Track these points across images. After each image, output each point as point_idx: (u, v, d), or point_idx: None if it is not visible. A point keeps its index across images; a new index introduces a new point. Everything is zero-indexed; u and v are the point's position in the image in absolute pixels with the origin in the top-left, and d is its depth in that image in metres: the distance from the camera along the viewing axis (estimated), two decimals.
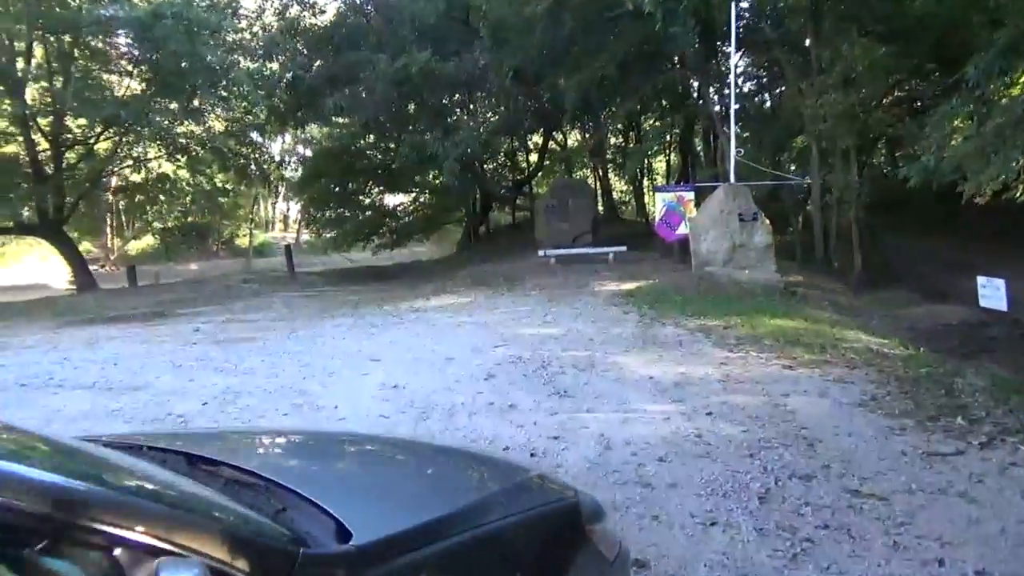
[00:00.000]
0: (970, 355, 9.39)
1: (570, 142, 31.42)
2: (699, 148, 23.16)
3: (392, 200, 30.55)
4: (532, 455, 4.91)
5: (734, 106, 12.65)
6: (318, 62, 19.47)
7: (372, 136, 21.08)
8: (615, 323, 9.51)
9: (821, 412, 5.67)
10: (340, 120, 19.46)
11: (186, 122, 20.33)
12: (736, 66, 12.77)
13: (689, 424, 5.42)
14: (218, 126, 21.50)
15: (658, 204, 14.22)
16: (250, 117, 20.99)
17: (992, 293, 10.36)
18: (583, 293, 12.47)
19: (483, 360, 7.65)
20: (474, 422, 5.65)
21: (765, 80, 20.96)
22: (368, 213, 27.44)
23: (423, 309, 12.12)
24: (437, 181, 27.88)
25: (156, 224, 30.79)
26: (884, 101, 15.16)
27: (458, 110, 18.52)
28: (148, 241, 39.80)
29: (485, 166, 25.88)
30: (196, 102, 19.31)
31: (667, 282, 12.18)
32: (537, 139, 26.21)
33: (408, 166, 18.64)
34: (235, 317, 12.75)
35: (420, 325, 10.30)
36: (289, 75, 19.41)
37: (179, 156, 21.65)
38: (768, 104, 21.23)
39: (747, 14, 15.45)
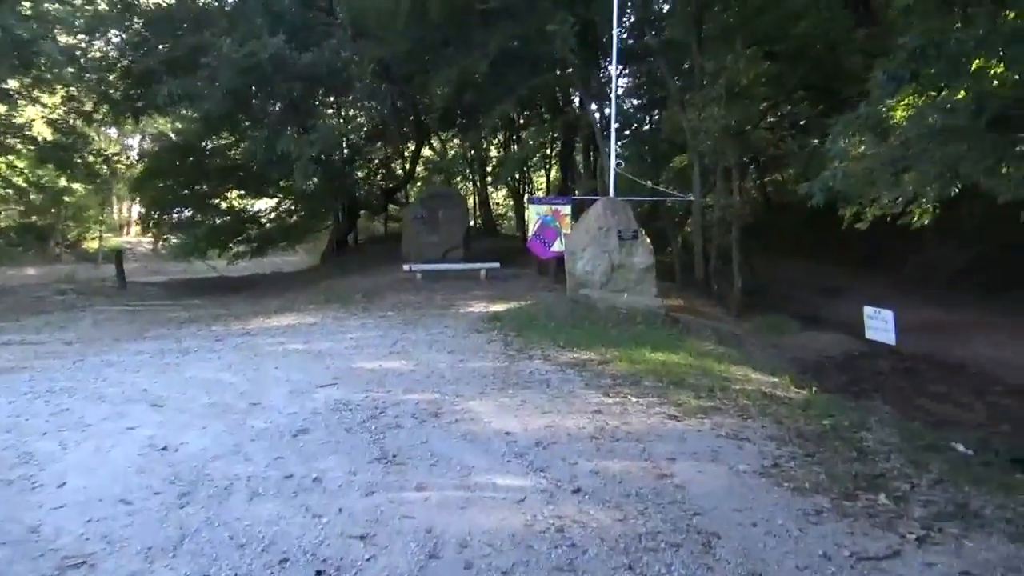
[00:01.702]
0: (862, 393, 8.63)
1: (450, 152, 30.11)
2: (580, 164, 22.35)
3: (257, 205, 28.02)
4: (319, 573, 3.34)
5: (614, 108, 11.60)
6: (159, 46, 16.99)
7: (215, 132, 18.68)
8: (475, 354, 8.06)
9: (716, 486, 4.42)
10: (183, 112, 17.03)
11: None
12: (617, 75, 11.76)
13: (550, 509, 4.03)
14: (34, 111, 18.46)
15: (531, 217, 12.96)
16: (73, 103, 18.14)
17: (879, 325, 9.71)
18: (446, 315, 10.98)
19: (299, 407, 5.99)
20: (254, 509, 4.01)
21: (646, 95, 20.32)
22: (226, 218, 24.92)
23: (255, 331, 10.23)
24: (312, 184, 25.76)
25: None
26: (766, 119, 14.64)
27: (317, 107, 16.56)
28: None
29: (355, 172, 23.99)
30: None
31: (539, 305, 10.89)
32: (412, 145, 24.54)
33: (263, 167, 16.51)
34: (18, 338, 10.38)
35: (241, 353, 8.45)
36: (123, 58, 16.90)
37: None
38: (649, 121, 20.62)
39: (630, 16, 14.53)
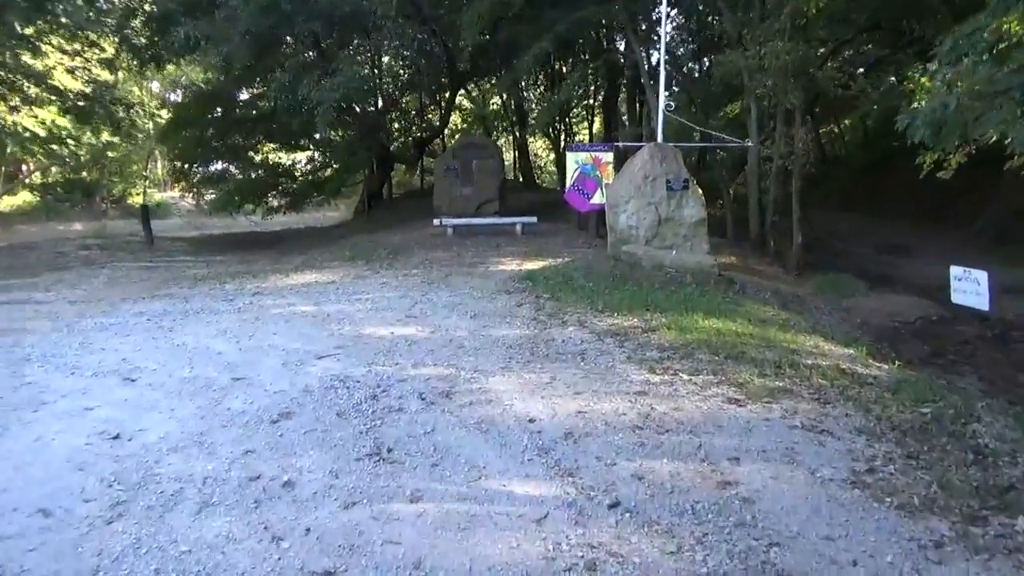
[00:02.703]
0: (950, 367, 7.45)
1: (489, 101, 28.79)
2: (624, 114, 20.93)
3: (292, 159, 27.23)
4: None
5: (663, 41, 10.24)
6: None
7: (238, 78, 17.73)
8: (502, 320, 7.09)
9: (796, 501, 3.42)
10: (203, 57, 16.08)
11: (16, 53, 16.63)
12: (667, 4, 10.39)
13: (578, 534, 3.10)
14: (55, 59, 17.76)
15: (569, 166, 11.76)
16: (95, 50, 17.39)
17: (969, 288, 8.42)
18: (474, 274, 10.01)
19: (289, 383, 5.13)
20: (199, 527, 3.16)
21: (696, 39, 18.65)
22: (259, 172, 24.23)
23: (268, 290, 9.43)
24: (338, 135, 24.86)
25: (34, 178, 26.65)
26: (833, 60, 13.11)
27: (342, 51, 15.46)
28: (26, 197, 35.47)
29: (389, 123, 22.95)
30: (20, 27, 15.61)
31: (577, 263, 9.81)
32: (447, 94, 23.29)
33: (285, 115, 15.56)
34: (24, 296, 9.79)
35: (243, 316, 7.64)
36: (144, 1, 16.05)
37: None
38: (699, 66, 19.01)
39: None
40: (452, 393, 4.85)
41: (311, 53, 16.70)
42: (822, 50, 14.53)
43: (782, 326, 7.04)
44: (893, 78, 11.15)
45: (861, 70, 11.84)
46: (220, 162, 22.80)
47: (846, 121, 28.89)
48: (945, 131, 5.08)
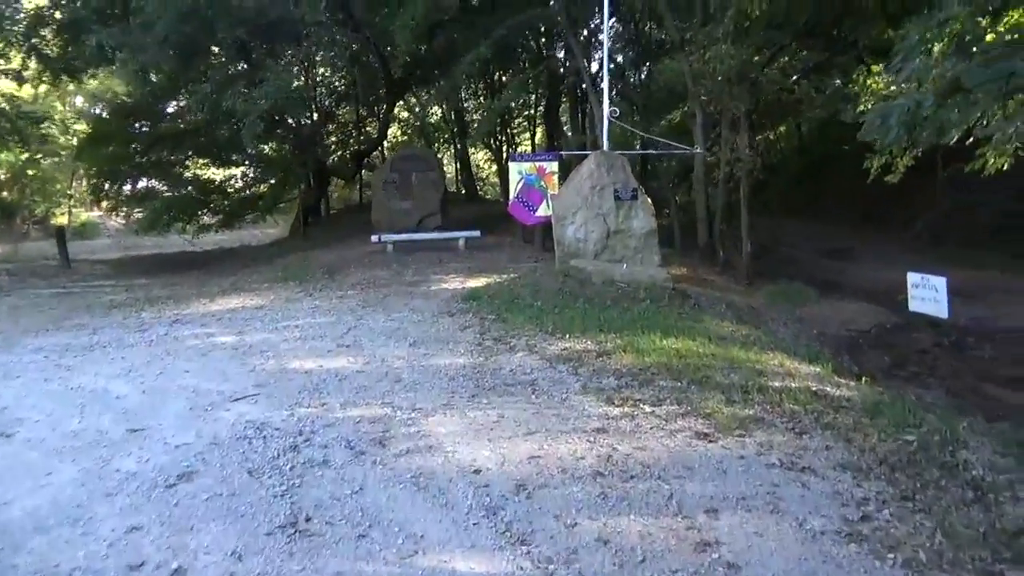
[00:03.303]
0: (915, 379, 7.16)
1: (429, 112, 28.14)
2: (567, 124, 20.59)
3: (225, 173, 26.04)
4: None
5: (607, 43, 9.80)
6: None
7: (157, 89, 16.71)
8: (444, 346, 6.49)
9: (788, 565, 2.93)
10: (118, 67, 15.07)
11: None
12: (609, 8, 9.98)
13: None
14: None
15: (512, 177, 11.23)
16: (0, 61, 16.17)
17: (927, 295, 8.18)
18: (415, 294, 9.38)
19: (196, 432, 4.43)
20: None
21: (637, 47, 18.43)
22: (189, 189, 23.07)
23: (188, 318, 8.62)
24: (271, 149, 23.90)
25: None
26: (774, 64, 12.94)
27: (269, 59, 14.61)
28: None
29: (325, 137, 22.10)
30: None
31: (524, 280, 9.27)
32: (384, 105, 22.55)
33: (209, 128, 14.67)
34: None
35: (157, 349, 6.86)
36: (55, 8, 14.97)
37: None
38: (639, 74, 18.78)
39: None
40: (386, 439, 4.23)
41: (242, 64, 15.85)
42: (756, 57, 14.44)
43: (743, 343, 6.62)
44: (838, 81, 10.89)
45: (795, 77, 11.57)
46: (146, 179, 21.58)
47: (781, 128, 29.25)
48: (920, 130, 4.71)
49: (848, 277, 15.37)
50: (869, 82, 9.88)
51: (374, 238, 13.65)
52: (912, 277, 8.44)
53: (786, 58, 13.68)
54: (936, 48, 5.09)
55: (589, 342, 6.39)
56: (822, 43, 16.64)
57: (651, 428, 4.36)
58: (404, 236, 13.85)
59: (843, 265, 17.09)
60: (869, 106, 10.55)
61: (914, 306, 8.35)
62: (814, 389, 5.24)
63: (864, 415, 4.67)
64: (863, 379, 6.13)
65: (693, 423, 4.44)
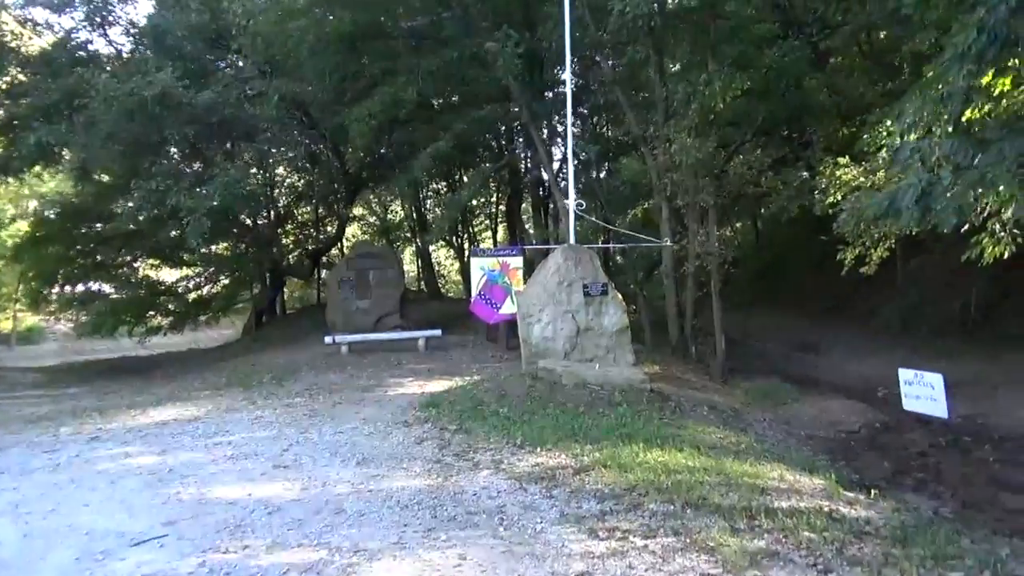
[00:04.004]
0: (923, 487, 6.47)
1: (390, 209, 27.88)
2: (529, 220, 20.38)
3: (175, 275, 25.12)
4: None
5: (570, 136, 9.44)
6: (34, 91, 14.44)
7: (101, 188, 16.03)
8: (397, 465, 5.64)
9: None
10: (59, 167, 14.39)
11: None
12: (571, 98, 9.74)
13: None
14: None
15: (474, 274, 10.64)
16: None
17: (923, 393, 7.61)
18: (367, 400, 8.54)
19: None
20: None
21: (596, 144, 18.49)
22: (137, 291, 22.12)
23: (110, 435, 7.61)
24: (226, 248, 23.19)
25: None
26: (734, 158, 12.84)
27: (218, 156, 14.09)
28: None
29: (281, 237, 21.52)
30: None
31: (488, 383, 8.47)
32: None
33: (153, 227, 13.94)
34: None
35: (60, 476, 5.86)
36: None
37: None
38: (600, 170, 18.74)
39: (581, 44, 12.46)
40: None
41: (197, 164, 15.31)
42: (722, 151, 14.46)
43: (735, 453, 5.90)
44: (805, 173, 10.70)
45: (759, 170, 11.41)
46: (89, 281, 20.59)
47: (738, 224, 29.63)
48: (939, 211, 4.20)
49: (821, 372, 14.93)
50: (839, 173, 9.62)
51: (328, 339, 12.84)
52: (904, 373, 7.91)
53: (748, 154, 13.59)
54: (935, 128, 4.68)
55: (564, 456, 5.61)
56: (779, 140, 16.89)
57: (646, 570, 3.57)
58: (360, 337, 13.06)
59: (814, 359, 16.71)
60: (839, 197, 10.40)
61: (908, 405, 7.77)
62: (827, 509, 4.52)
63: (893, 543, 3.94)
64: (872, 492, 5.43)
65: (695, 561, 3.66)
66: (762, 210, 24.63)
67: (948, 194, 3.90)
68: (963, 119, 4.58)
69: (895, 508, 4.89)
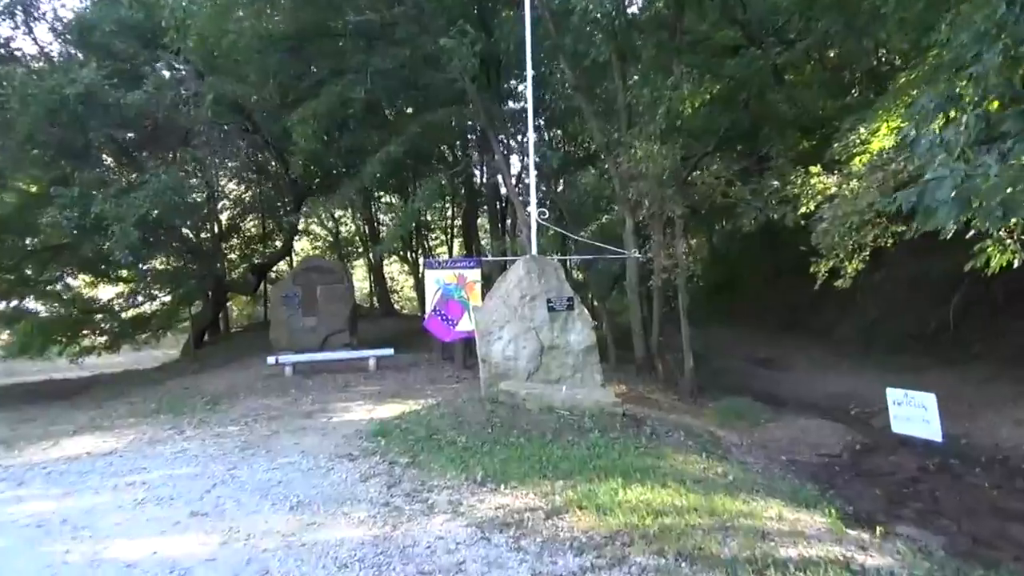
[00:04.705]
0: (924, 521, 5.88)
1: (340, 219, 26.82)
2: (485, 233, 19.67)
3: (110, 292, 23.70)
4: None
5: (532, 140, 8.75)
6: None
7: (16, 195, 14.77)
8: (337, 508, 4.82)
9: None
10: None
11: None
12: (533, 102, 9.10)
13: None
14: None
15: (429, 288, 9.83)
16: None
17: (913, 414, 7.13)
18: (310, 428, 7.68)
19: None
20: None
21: (556, 156, 17.94)
22: (67, 308, 20.75)
23: (9, 473, 6.60)
24: (160, 262, 21.92)
25: None
26: (703, 164, 12.37)
27: (150, 161, 13.00)
28: None
29: (224, 252, 20.37)
30: None
31: (444, 408, 7.68)
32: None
33: (75, 238, 12.78)
34: None
35: None
36: None
37: None
38: (559, 182, 18.18)
39: (540, 49, 11.86)
40: None
41: (133, 172, 14.19)
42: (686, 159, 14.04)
43: (724, 488, 5.22)
44: (775, 183, 10.24)
45: (725, 179, 10.97)
46: (13, 299, 19.11)
47: (692, 240, 29.48)
48: (981, 209, 3.60)
49: (787, 388, 14.52)
50: (813, 182, 9.17)
51: (271, 359, 11.89)
52: (893, 393, 7.41)
53: (715, 164, 13.16)
54: (965, 111, 4.09)
55: (532, 495, 4.87)
56: (739, 153, 16.59)
57: None
58: (306, 357, 12.13)
59: (778, 375, 16.33)
60: (812, 207, 9.97)
61: (898, 427, 7.27)
62: (841, 557, 3.88)
63: None
64: (877, 529, 4.83)
65: None
66: (719, 224, 24.47)
67: (997, 187, 3.33)
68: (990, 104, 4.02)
69: (912, 551, 4.27)
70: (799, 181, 9.89)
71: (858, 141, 9.49)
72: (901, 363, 15.06)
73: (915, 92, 9.22)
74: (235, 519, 4.67)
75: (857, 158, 9.55)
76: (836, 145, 9.97)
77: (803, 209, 9.72)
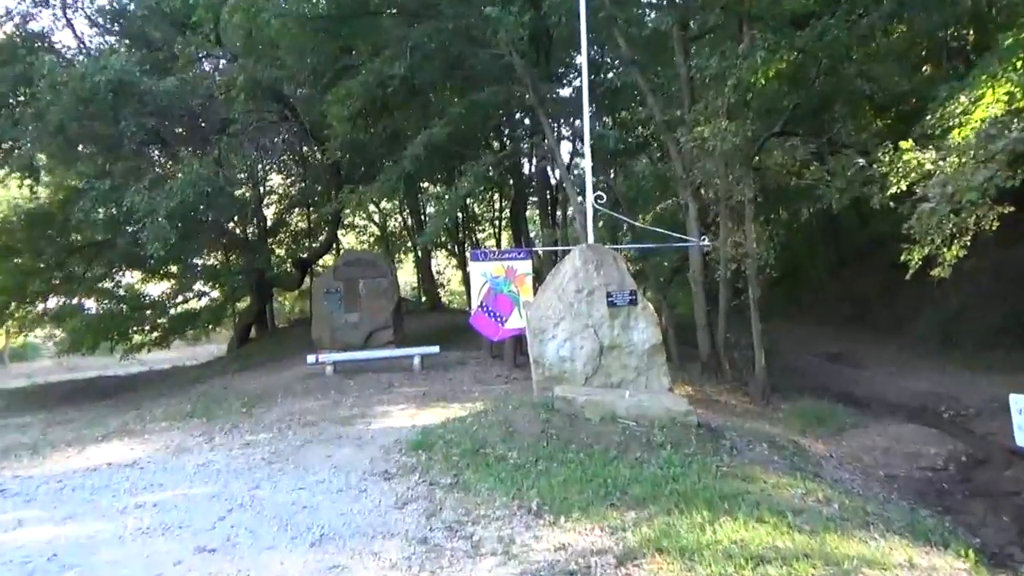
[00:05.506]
0: None
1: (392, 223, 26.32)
2: (535, 225, 18.86)
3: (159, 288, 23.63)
4: None
5: (587, 118, 7.77)
6: None
7: (57, 189, 14.53)
8: (367, 544, 4.06)
9: None
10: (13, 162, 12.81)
11: None
12: (587, 75, 8.21)
13: None
14: None
15: (475, 281, 8.99)
16: None
17: None
18: (345, 439, 6.96)
19: None
20: None
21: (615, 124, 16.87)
22: (119, 305, 20.76)
23: (20, 487, 6.06)
24: (213, 259, 21.76)
25: None
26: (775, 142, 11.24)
27: (185, 151, 12.53)
28: None
29: (269, 247, 19.98)
30: None
31: (493, 415, 6.84)
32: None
33: (109, 232, 12.40)
34: None
35: None
36: None
37: None
38: (617, 165, 17.19)
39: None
40: None
41: (168, 162, 13.81)
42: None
43: (831, 521, 4.28)
44: (861, 161, 9.14)
45: (802, 159, 9.91)
46: (61, 295, 19.09)
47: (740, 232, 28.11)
48: None
49: (865, 388, 13.34)
50: (907, 158, 8.06)
51: (310, 359, 11.28)
52: (1019, 400, 6.33)
53: (786, 144, 12.02)
54: None
55: (599, 530, 4.04)
56: (808, 133, 15.37)
57: None
58: (347, 356, 11.50)
59: (852, 372, 15.13)
60: (904, 187, 8.86)
61: None
62: None
63: None
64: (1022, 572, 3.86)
65: None
66: (777, 212, 23.13)
67: None
68: None
69: None
70: (887, 159, 8.76)
71: (958, 111, 8.35)
72: (991, 360, 13.75)
73: None
74: (245, 558, 3.95)
75: (956, 130, 8.42)
76: (929, 117, 8.84)
77: (893, 189, 8.60)
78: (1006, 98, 8.11)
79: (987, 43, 12.72)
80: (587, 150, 7.70)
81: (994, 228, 8.25)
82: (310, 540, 4.15)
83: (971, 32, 16.77)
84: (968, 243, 8.76)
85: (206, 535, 4.34)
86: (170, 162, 12.67)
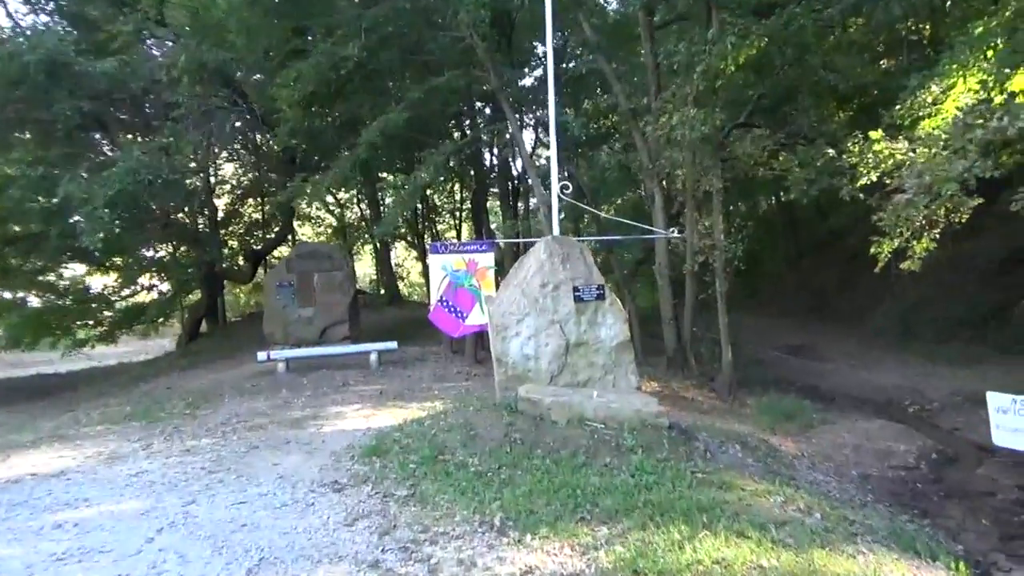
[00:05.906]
0: None
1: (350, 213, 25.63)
2: (496, 217, 18.45)
3: (103, 282, 22.60)
4: None
5: (552, 103, 7.33)
6: None
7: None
8: (308, 571, 3.65)
9: None
10: None
11: None
12: (554, 58, 7.81)
13: None
14: None
15: (434, 274, 8.56)
16: None
17: (1021, 425, 5.92)
18: (296, 441, 6.51)
19: None
20: None
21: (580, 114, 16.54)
22: (62, 297, 19.78)
23: None
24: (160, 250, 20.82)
25: None
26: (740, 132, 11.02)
27: (129, 134, 11.84)
28: None
29: (220, 238, 19.21)
30: None
31: (454, 416, 6.46)
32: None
33: (41, 222, 11.63)
34: None
35: None
36: None
37: None
38: (579, 156, 16.88)
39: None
40: None
41: (109, 148, 13.04)
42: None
43: (814, 532, 3.99)
44: (831, 151, 8.95)
45: (771, 148, 9.71)
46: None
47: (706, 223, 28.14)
48: None
49: (829, 382, 13.27)
50: (877, 149, 7.87)
51: (261, 355, 10.75)
52: (996, 399, 6.11)
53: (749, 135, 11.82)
54: None
55: (568, 549, 3.68)
56: (772, 123, 15.23)
57: None
58: (300, 352, 10.99)
59: (815, 366, 15.09)
60: (873, 178, 8.69)
61: (1002, 439, 5.98)
62: None
63: None
64: None
65: None
66: (735, 204, 23.09)
67: None
68: None
69: None
70: (856, 149, 8.59)
71: (928, 101, 8.19)
72: (951, 352, 13.83)
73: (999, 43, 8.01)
74: None
75: (927, 120, 8.28)
76: (899, 107, 8.68)
77: (863, 180, 8.42)
78: (978, 87, 7.99)
79: (943, 37, 12.74)
80: (553, 137, 7.32)
81: (963, 220, 8.16)
82: (247, 566, 3.71)
83: (927, 27, 16.83)
84: (938, 236, 8.68)
85: (128, 562, 3.87)
86: (113, 149, 11.93)
